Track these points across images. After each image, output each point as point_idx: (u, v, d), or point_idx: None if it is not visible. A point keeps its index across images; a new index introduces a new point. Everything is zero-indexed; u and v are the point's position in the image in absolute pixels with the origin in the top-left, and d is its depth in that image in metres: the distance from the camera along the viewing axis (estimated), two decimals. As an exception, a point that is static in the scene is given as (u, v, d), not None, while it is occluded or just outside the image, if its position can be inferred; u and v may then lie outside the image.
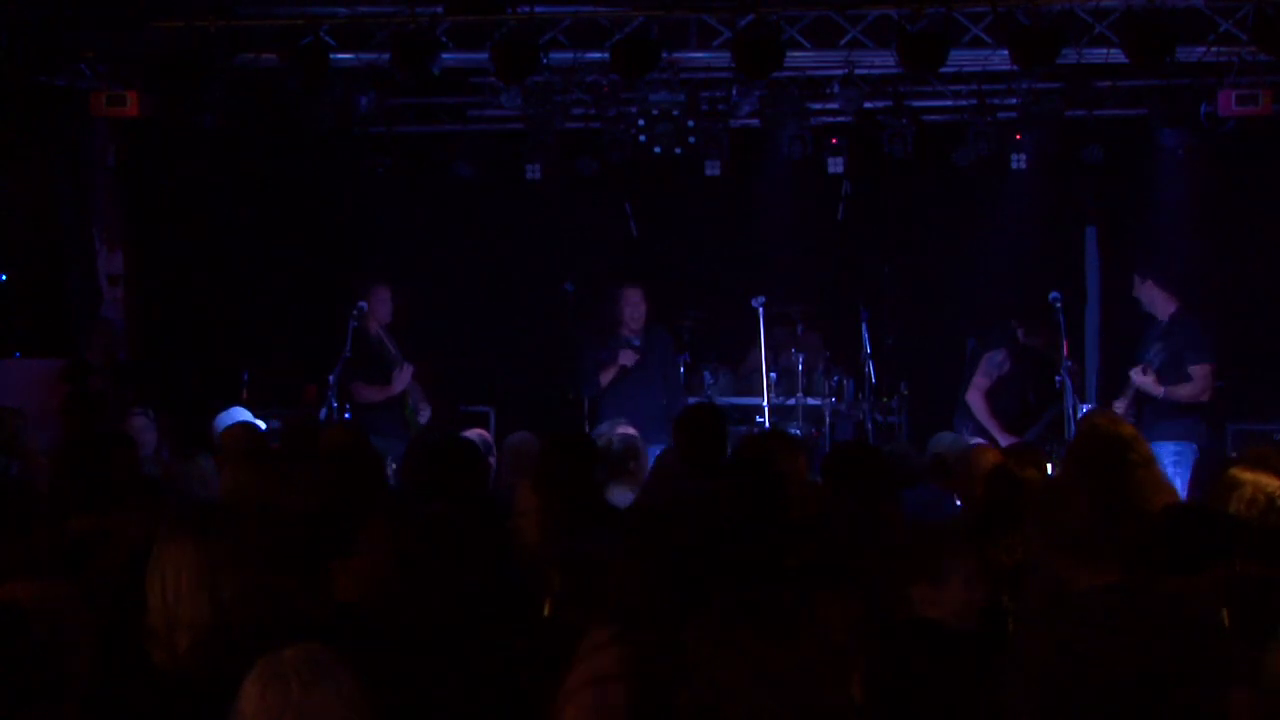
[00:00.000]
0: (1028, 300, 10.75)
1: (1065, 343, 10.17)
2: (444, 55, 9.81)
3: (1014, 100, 11.85)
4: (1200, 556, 4.37)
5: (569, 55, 10.45)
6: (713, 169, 12.42)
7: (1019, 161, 12.33)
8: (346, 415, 10.18)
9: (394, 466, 8.49)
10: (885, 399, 11.44)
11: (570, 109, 11.88)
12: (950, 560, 4.39)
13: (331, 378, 10.13)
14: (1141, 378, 9.90)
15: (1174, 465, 9.44)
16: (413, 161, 12.91)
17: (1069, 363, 10.18)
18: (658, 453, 7.61)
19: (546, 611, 4.70)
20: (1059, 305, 10.22)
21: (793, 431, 10.75)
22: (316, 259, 12.84)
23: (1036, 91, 11.59)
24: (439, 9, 9.72)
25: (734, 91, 11.74)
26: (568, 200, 12.83)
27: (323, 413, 10.07)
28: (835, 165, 12.35)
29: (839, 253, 12.78)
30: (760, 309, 11.03)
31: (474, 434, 8.02)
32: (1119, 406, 9.89)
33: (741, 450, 6.39)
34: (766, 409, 11.10)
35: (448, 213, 13.23)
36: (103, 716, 3.62)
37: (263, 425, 8.53)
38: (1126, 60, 9.65)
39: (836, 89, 11.33)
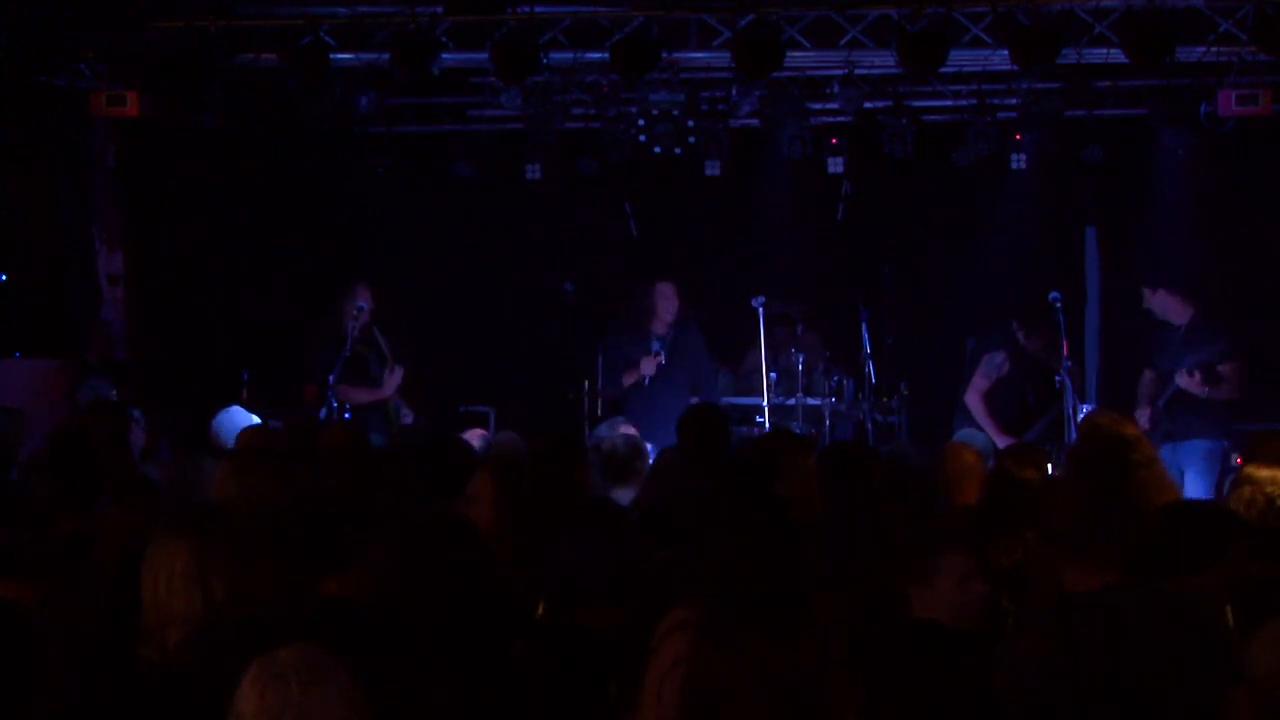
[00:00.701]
0: (1028, 300, 10.75)
1: (1065, 343, 10.18)
2: (444, 55, 9.80)
3: (1014, 100, 11.84)
4: (1201, 556, 4.36)
5: (569, 55, 10.45)
6: (713, 169, 12.41)
7: (1019, 161, 12.32)
8: (346, 415, 10.17)
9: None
10: (885, 399, 11.43)
11: (570, 109, 11.87)
12: (940, 560, 4.38)
13: (331, 378, 10.12)
14: (1188, 379, 9.99)
15: (1206, 463, 9.54)
16: (413, 161, 12.89)
17: (1069, 363, 10.19)
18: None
19: (539, 612, 4.69)
20: (1059, 305, 10.23)
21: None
22: (317, 259, 12.82)
23: (1036, 91, 11.58)
24: (439, 9, 9.71)
25: (734, 91, 11.73)
26: (568, 200, 12.82)
27: (323, 413, 10.07)
28: (835, 165, 12.34)
29: (839, 253, 12.78)
30: (760, 309, 11.02)
31: (474, 434, 8.03)
32: (1142, 417, 9.90)
33: (747, 450, 6.37)
34: (766, 409, 11.09)
35: (448, 213, 13.22)
36: (90, 712, 3.62)
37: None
38: (1126, 60, 9.65)
39: (836, 89, 11.33)
